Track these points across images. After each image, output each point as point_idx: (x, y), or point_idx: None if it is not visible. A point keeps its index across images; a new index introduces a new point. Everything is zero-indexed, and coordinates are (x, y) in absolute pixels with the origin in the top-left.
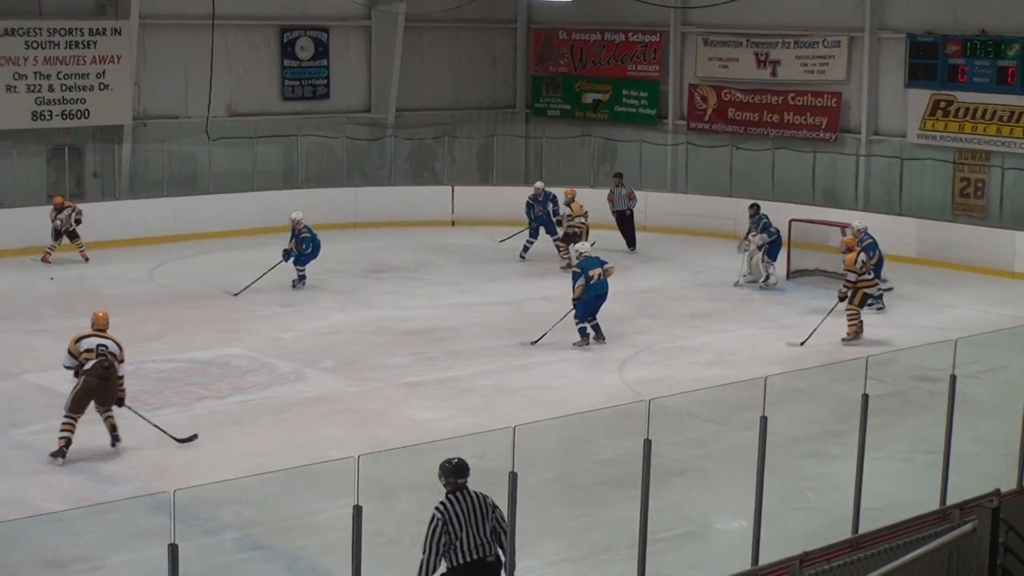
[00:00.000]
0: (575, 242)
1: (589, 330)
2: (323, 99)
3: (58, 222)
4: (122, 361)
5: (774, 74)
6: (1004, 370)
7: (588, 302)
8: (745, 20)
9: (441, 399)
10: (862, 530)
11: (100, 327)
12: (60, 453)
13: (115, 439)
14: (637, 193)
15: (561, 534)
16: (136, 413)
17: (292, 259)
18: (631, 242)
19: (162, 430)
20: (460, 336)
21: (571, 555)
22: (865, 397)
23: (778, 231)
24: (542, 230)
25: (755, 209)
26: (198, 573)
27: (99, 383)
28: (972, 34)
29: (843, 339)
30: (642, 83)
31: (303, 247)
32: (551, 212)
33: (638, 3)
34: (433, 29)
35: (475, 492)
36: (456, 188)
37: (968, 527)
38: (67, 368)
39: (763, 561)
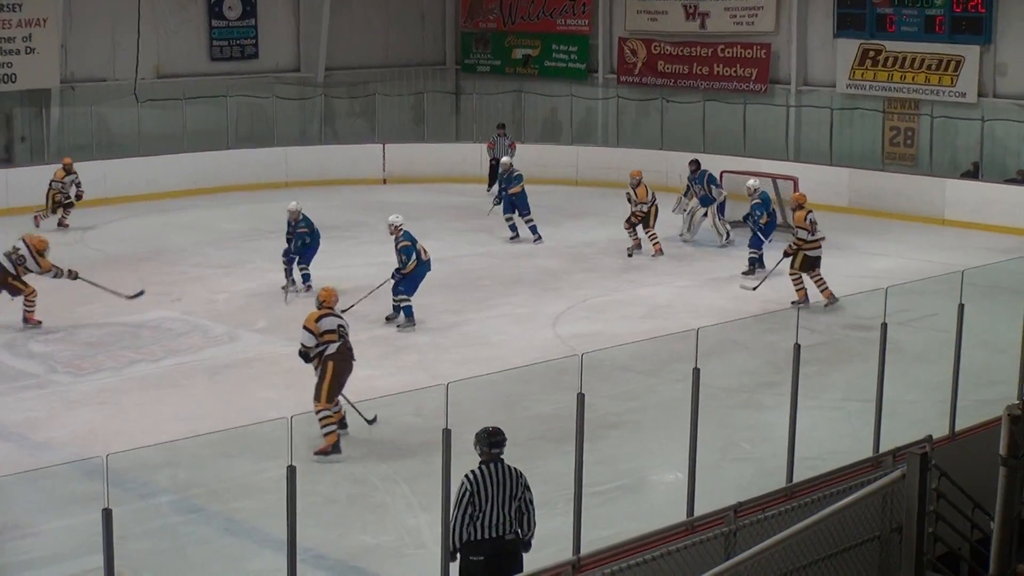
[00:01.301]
0: (639, 226)
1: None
2: (252, 59)
3: (58, 184)
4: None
5: (703, 26)
6: (936, 317)
7: (415, 278)
8: None
9: (376, 358)
10: (796, 479)
11: (331, 304)
12: (336, 449)
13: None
14: (566, 149)
15: None
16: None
17: (295, 259)
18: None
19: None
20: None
21: None
22: (797, 347)
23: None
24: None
25: (696, 166)
26: (135, 536)
27: (346, 366)
28: None
29: (792, 302)
30: (572, 37)
31: (300, 242)
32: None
33: None
34: None
35: (510, 467)
36: (387, 146)
37: (897, 473)
38: (304, 348)
39: (698, 512)
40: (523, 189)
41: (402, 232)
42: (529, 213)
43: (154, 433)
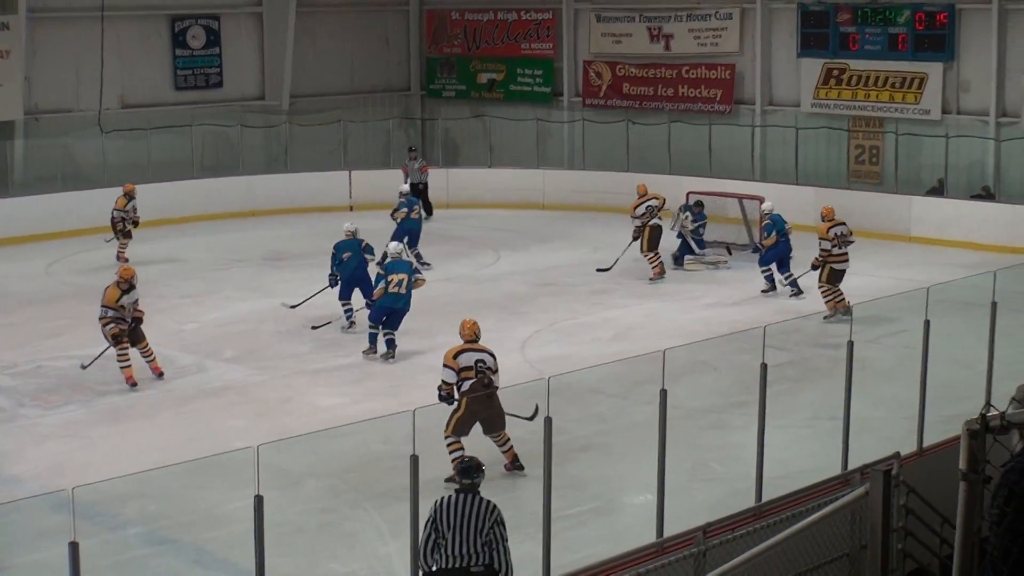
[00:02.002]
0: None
1: (380, 337)
2: (216, 88)
3: (121, 213)
4: (496, 371)
5: (668, 48)
6: (904, 334)
7: (383, 308)
8: None
9: (344, 385)
10: (765, 498)
11: (470, 337)
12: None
13: (516, 466)
14: (532, 172)
15: None
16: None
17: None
18: (428, 210)
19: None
20: (361, 321)
21: None
22: (764, 366)
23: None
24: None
25: (700, 207)
26: (103, 569)
27: (482, 405)
28: (863, 2)
29: (825, 317)
30: (536, 61)
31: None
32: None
33: None
34: (325, 13)
35: (484, 500)
36: (353, 173)
37: (861, 490)
38: (445, 384)
39: (668, 533)
40: (411, 218)
41: (387, 261)
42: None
43: (122, 465)
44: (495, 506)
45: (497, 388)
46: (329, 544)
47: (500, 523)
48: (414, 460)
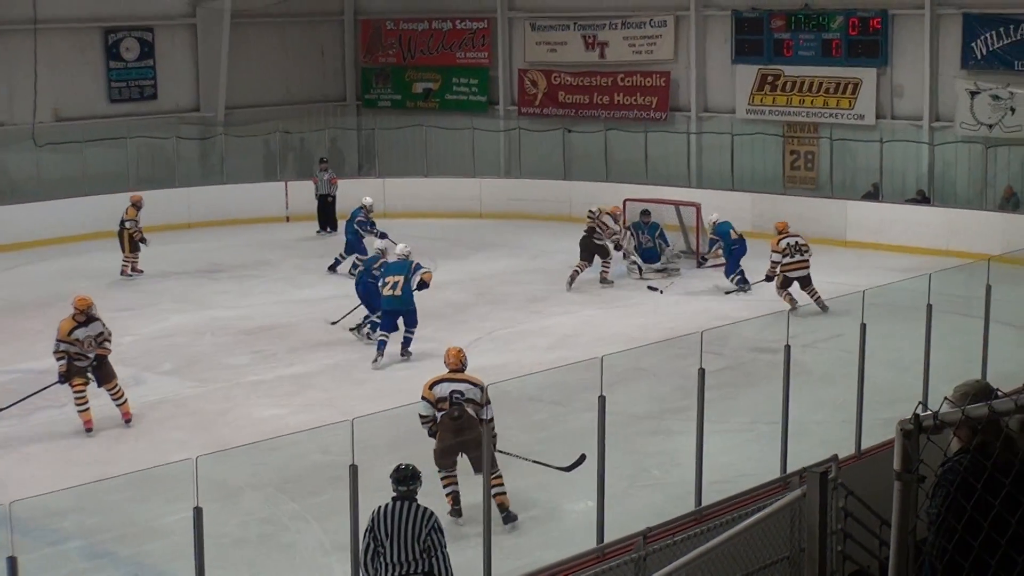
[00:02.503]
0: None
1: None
2: (151, 99)
3: (133, 224)
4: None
5: (603, 56)
6: (840, 338)
7: (387, 313)
8: (572, 3)
9: (283, 396)
10: (705, 503)
11: (455, 366)
12: (455, 512)
13: (508, 517)
14: (469, 181)
15: None
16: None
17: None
18: (333, 226)
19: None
20: (299, 332)
21: None
22: (701, 372)
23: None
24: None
25: (648, 216)
26: None
27: (456, 438)
28: (796, 8)
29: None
30: (472, 70)
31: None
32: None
33: None
34: (259, 24)
35: (419, 507)
36: (289, 183)
37: (798, 492)
38: (421, 417)
39: (608, 539)
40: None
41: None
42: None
43: (61, 479)
44: (432, 513)
45: (483, 421)
46: (269, 555)
47: (437, 530)
48: (353, 470)
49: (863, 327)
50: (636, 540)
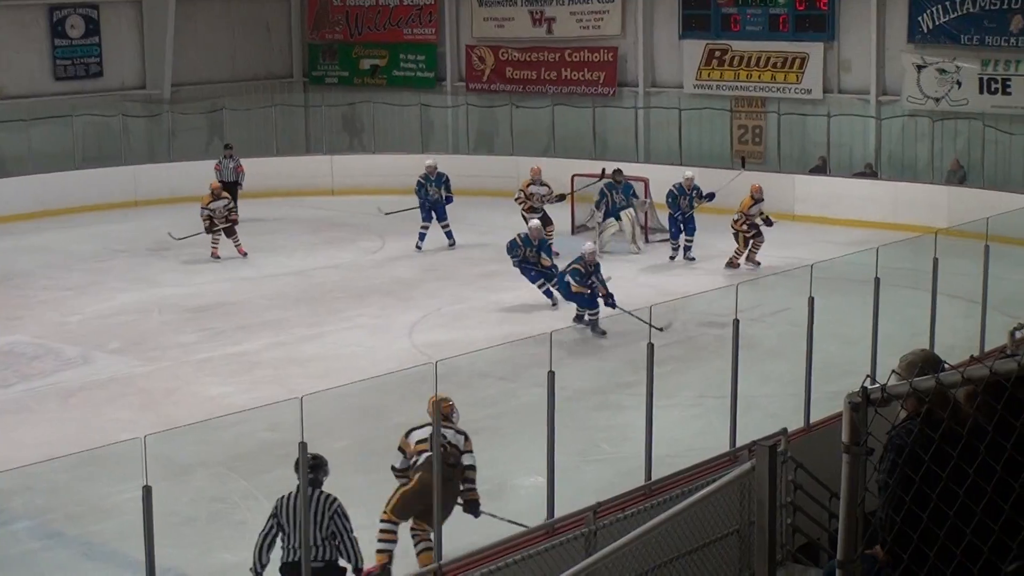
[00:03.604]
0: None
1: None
2: (97, 77)
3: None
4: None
5: (550, 31)
6: (788, 312)
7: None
8: None
9: (231, 374)
10: (655, 477)
11: (444, 415)
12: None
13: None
14: (417, 158)
15: (361, 501)
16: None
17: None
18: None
19: None
20: (248, 309)
21: (370, 521)
22: (651, 346)
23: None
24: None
25: (621, 176)
26: None
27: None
28: None
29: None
30: (419, 46)
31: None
32: (444, 195)
33: None
34: (206, 1)
35: (322, 493)
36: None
37: (747, 466)
38: (394, 469)
39: (559, 514)
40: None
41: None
42: (446, 221)
43: (7, 460)
44: (335, 499)
45: (466, 468)
46: (219, 534)
47: (340, 515)
48: (302, 447)
49: (811, 300)
50: (586, 515)
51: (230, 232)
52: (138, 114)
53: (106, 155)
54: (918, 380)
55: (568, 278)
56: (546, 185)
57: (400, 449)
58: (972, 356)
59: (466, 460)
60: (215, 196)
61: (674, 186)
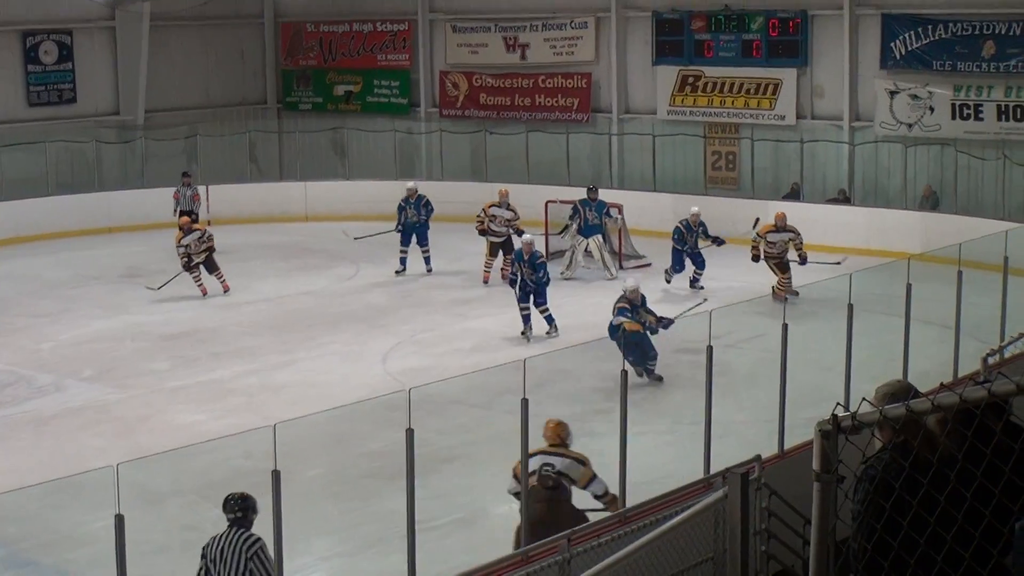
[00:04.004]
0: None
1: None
2: (70, 103)
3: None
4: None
5: (524, 58)
6: (763, 338)
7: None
8: (492, 5)
9: (204, 402)
10: (629, 504)
11: (553, 441)
12: None
13: None
14: (391, 184)
15: (333, 529)
16: None
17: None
18: None
19: None
20: (221, 336)
21: (344, 549)
22: (624, 373)
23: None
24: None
25: (595, 192)
26: None
27: (543, 511)
28: (716, 9)
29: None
30: (393, 72)
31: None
32: (424, 219)
33: None
34: (179, 27)
35: (243, 534)
36: (211, 187)
37: (719, 493)
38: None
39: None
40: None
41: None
42: (426, 246)
43: None
44: (256, 539)
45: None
46: (192, 562)
47: (259, 557)
48: (275, 475)
49: (785, 327)
50: (561, 543)
51: (212, 266)
52: (112, 140)
53: (80, 181)
54: (888, 408)
55: (619, 318)
56: (512, 211)
57: (514, 476)
58: (941, 383)
59: (594, 489)
60: (186, 231)
61: (680, 222)
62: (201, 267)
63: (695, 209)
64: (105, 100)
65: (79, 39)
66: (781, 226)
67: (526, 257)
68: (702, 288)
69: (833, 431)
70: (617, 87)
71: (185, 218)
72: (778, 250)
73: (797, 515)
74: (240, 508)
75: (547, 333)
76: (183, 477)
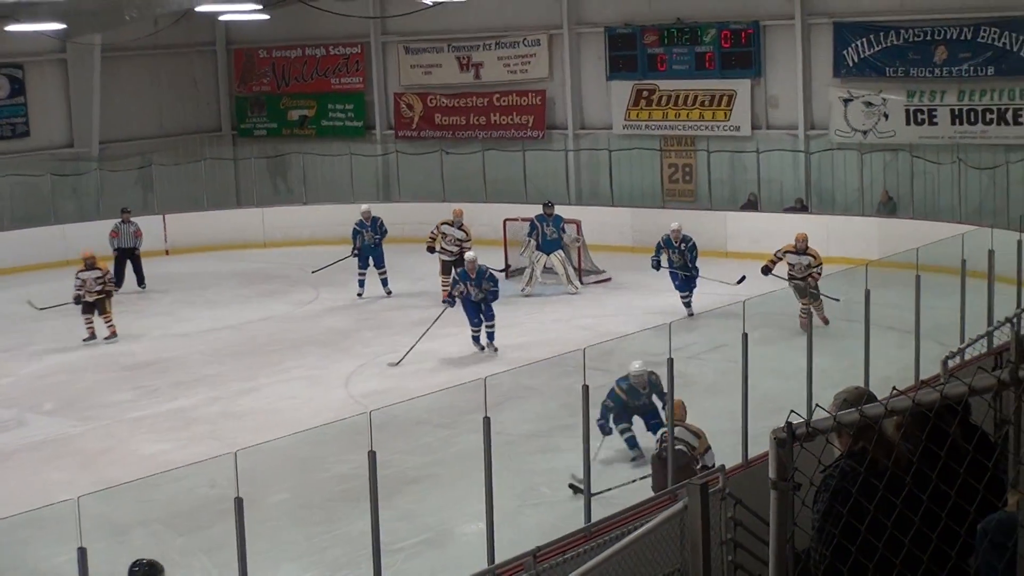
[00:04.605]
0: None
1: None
2: (23, 137)
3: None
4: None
5: (478, 77)
6: (725, 348)
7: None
8: (445, 25)
9: (168, 431)
10: (595, 519)
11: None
12: None
13: None
14: (348, 207)
15: (300, 554)
16: None
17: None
18: (141, 279)
19: None
20: (183, 365)
21: (311, 575)
22: (586, 388)
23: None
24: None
25: (551, 208)
26: None
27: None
28: (668, 23)
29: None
30: (347, 95)
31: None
32: (379, 240)
33: (337, 16)
34: (131, 57)
35: None
36: (167, 216)
37: (679, 505)
38: None
39: (500, 559)
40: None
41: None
42: (383, 268)
43: None
44: None
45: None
46: None
47: None
48: (238, 503)
49: (744, 337)
50: (526, 559)
51: (102, 309)
52: (66, 173)
53: (35, 215)
54: (842, 414)
55: (606, 421)
56: (464, 231)
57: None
58: (894, 388)
59: (707, 460)
60: (88, 265)
61: (662, 238)
62: (94, 310)
63: (675, 224)
64: (58, 133)
65: (31, 72)
66: (802, 248)
67: (472, 276)
68: (692, 315)
69: (788, 439)
70: (572, 103)
71: (88, 251)
72: (800, 273)
73: (763, 524)
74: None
75: (483, 348)
76: (148, 507)
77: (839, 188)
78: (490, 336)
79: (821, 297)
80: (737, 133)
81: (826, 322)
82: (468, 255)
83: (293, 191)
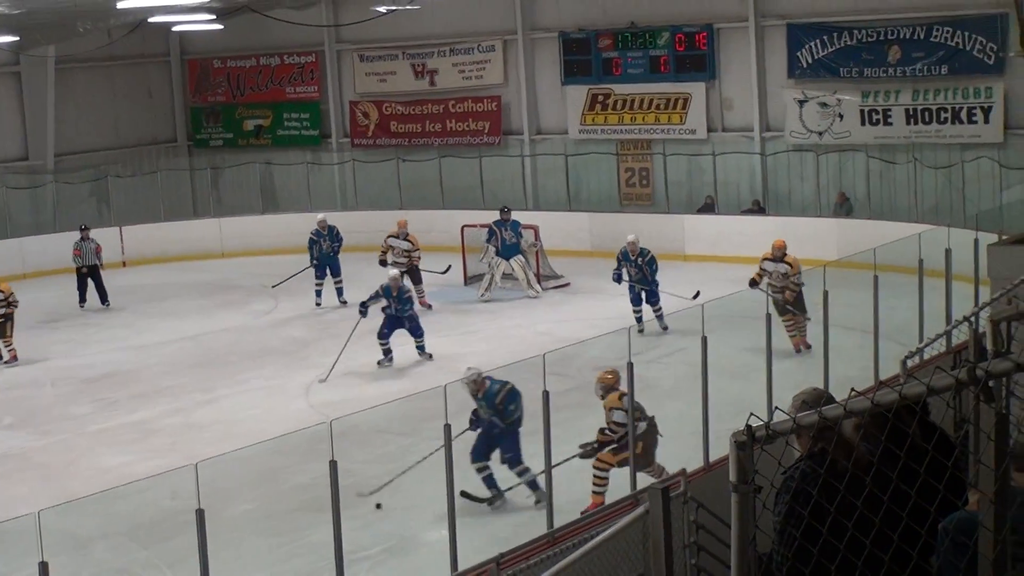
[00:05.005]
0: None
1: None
2: None
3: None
4: None
5: (433, 84)
6: (684, 352)
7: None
8: (399, 33)
9: (128, 444)
10: (557, 524)
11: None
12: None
13: None
14: (305, 216)
15: (264, 564)
16: None
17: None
18: (104, 296)
19: None
20: (142, 377)
21: None
22: (545, 394)
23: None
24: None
25: (508, 213)
26: None
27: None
28: (622, 27)
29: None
30: (302, 104)
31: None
32: (336, 250)
33: (291, 25)
34: (85, 69)
35: None
36: (124, 228)
37: (641, 509)
38: (617, 426)
39: (462, 567)
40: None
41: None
42: (339, 277)
43: None
44: None
45: None
46: None
47: None
48: (199, 514)
49: (704, 340)
50: (489, 566)
51: (3, 332)
52: (21, 186)
53: None
54: (801, 415)
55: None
56: (410, 241)
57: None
58: (852, 389)
59: None
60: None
61: (620, 251)
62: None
63: (631, 237)
64: (13, 146)
65: None
66: (779, 256)
67: (395, 293)
68: (667, 328)
69: (748, 441)
70: (527, 109)
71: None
72: (778, 282)
73: (725, 527)
74: None
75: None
76: (110, 520)
77: (796, 189)
78: (420, 350)
79: (803, 314)
80: (693, 136)
81: (808, 347)
82: (392, 272)
83: (249, 202)
